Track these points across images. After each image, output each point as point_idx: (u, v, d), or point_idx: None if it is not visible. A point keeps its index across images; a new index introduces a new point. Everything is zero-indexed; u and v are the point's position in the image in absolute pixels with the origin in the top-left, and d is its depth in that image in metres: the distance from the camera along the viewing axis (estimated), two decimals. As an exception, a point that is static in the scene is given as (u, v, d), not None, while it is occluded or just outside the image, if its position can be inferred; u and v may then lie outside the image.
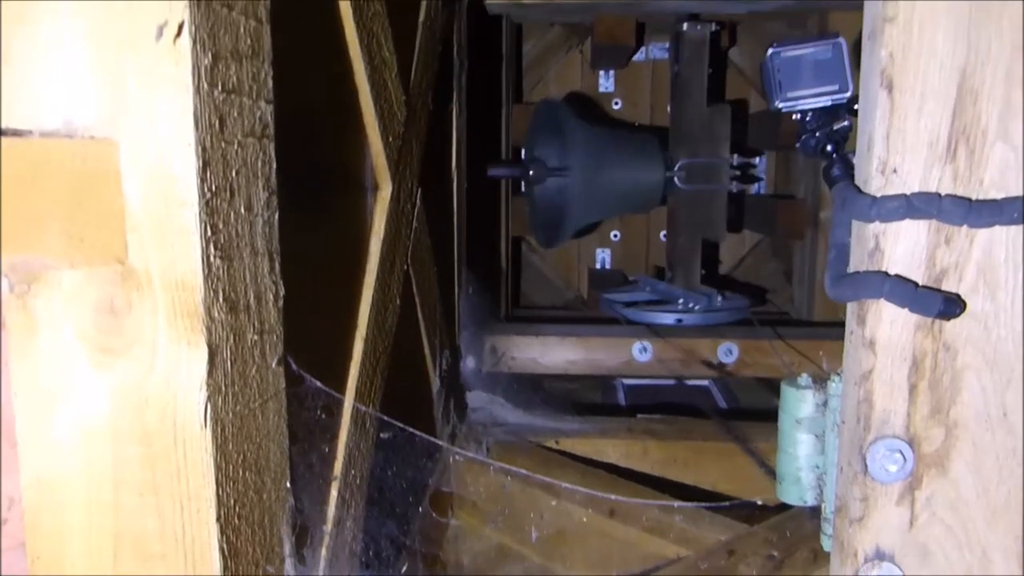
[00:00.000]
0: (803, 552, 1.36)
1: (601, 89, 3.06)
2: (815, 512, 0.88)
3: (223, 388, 0.67)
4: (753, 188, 3.01)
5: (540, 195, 2.50)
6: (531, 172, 2.40)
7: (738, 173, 2.56)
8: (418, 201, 1.43)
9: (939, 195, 0.70)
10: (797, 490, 0.88)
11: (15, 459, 0.67)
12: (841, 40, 0.83)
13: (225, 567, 0.69)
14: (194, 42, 0.60)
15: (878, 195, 0.72)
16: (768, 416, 0.93)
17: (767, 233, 2.96)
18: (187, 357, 0.64)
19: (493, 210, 2.66)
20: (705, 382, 2.51)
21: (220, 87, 0.64)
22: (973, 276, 0.72)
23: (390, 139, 1.21)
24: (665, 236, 2.68)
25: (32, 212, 0.57)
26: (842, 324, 0.79)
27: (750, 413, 2.23)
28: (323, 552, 0.97)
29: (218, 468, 0.67)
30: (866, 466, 0.75)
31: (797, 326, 2.46)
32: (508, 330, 2.25)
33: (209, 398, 0.65)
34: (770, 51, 0.83)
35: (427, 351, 1.59)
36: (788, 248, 2.82)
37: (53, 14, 0.60)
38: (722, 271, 3.11)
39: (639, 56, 2.97)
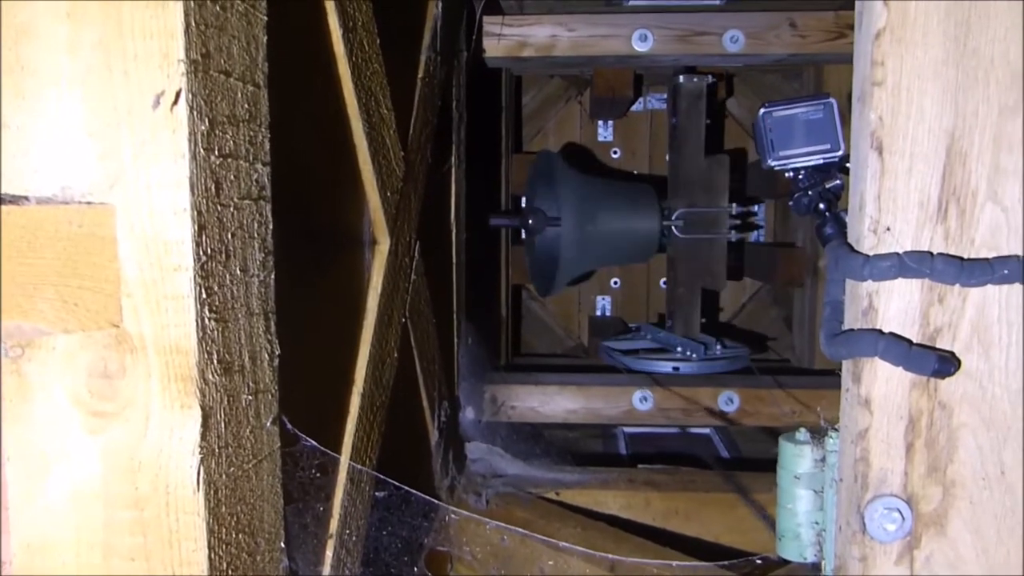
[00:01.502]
0: (806, 608, 1.34)
1: (600, 139, 3.09)
2: (816, 568, 0.87)
3: (216, 450, 0.67)
4: (752, 236, 3.02)
5: (539, 244, 2.51)
6: (530, 222, 2.41)
7: (738, 222, 2.57)
8: (416, 254, 1.43)
9: (931, 254, 0.70)
10: (797, 546, 0.87)
11: (6, 522, 0.66)
12: (832, 100, 0.83)
13: (216, 633, 0.68)
14: (191, 109, 0.61)
15: (871, 254, 0.72)
16: (770, 466, 0.93)
17: (767, 281, 2.97)
18: (180, 420, 0.64)
19: (493, 259, 2.67)
20: (707, 430, 2.50)
21: (216, 152, 0.65)
22: (967, 334, 0.72)
23: (388, 194, 1.22)
24: (665, 284, 2.69)
25: (27, 278, 0.57)
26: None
27: (752, 462, 2.21)
28: (318, 613, 0.95)
29: (211, 532, 0.66)
30: (864, 525, 0.74)
31: (798, 374, 2.45)
32: (508, 379, 2.24)
33: (202, 461, 0.65)
34: (762, 111, 0.84)
35: (425, 403, 1.58)
36: (788, 295, 2.82)
37: (51, 83, 0.61)
38: (723, 318, 3.11)
39: (637, 106, 3.01)
